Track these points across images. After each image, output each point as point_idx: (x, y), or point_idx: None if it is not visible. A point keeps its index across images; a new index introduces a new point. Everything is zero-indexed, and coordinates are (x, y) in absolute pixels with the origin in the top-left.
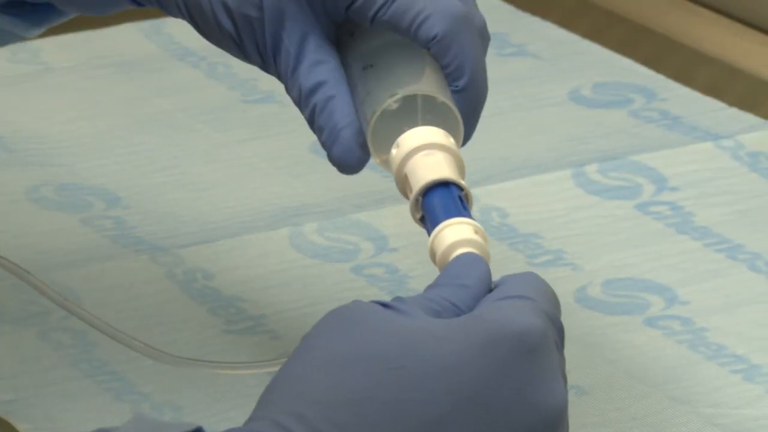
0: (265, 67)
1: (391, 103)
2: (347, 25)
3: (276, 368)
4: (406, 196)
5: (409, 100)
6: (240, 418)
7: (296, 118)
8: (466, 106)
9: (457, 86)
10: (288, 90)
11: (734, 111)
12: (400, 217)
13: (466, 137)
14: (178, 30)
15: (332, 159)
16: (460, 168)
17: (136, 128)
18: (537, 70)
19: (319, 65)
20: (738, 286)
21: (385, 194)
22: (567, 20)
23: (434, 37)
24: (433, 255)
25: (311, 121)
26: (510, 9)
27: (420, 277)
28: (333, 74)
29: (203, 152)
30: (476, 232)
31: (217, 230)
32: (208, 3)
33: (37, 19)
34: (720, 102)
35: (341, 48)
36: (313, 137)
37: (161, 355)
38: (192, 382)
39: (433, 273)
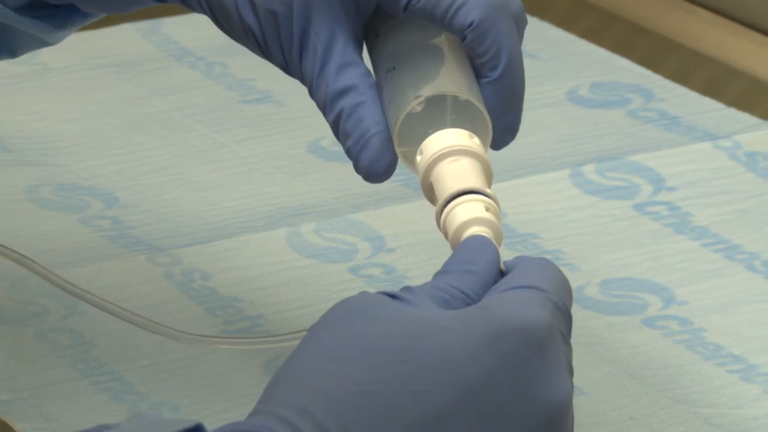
0: (287, 69)
1: (415, 105)
2: (373, 25)
3: (288, 343)
4: (434, 204)
5: (434, 102)
6: (238, 418)
7: (294, 118)
8: (504, 96)
9: (493, 75)
10: (312, 92)
11: (732, 111)
12: (397, 217)
13: (511, 130)
14: (176, 30)
15: (359, 166)
16: (486, 171)
17: (134, 128)
18: (535, 70)
19: (348, 68)
20: (736, 286)
21: (383, 195)
22: (564, 20)
23: (470, 24)
24: (445, 233)
25: (336, 126)
26: None
27: (418, 278)
28: (363, 79)
29: (201, 152)
30: (488, 209)
31: (214, 230)
32: None
33: (60, 22)
34: (718, 102)
35: (367, 49)
36: (311, 137)
37: (174, 333)
38: (190, 382)
39: (431, 274)
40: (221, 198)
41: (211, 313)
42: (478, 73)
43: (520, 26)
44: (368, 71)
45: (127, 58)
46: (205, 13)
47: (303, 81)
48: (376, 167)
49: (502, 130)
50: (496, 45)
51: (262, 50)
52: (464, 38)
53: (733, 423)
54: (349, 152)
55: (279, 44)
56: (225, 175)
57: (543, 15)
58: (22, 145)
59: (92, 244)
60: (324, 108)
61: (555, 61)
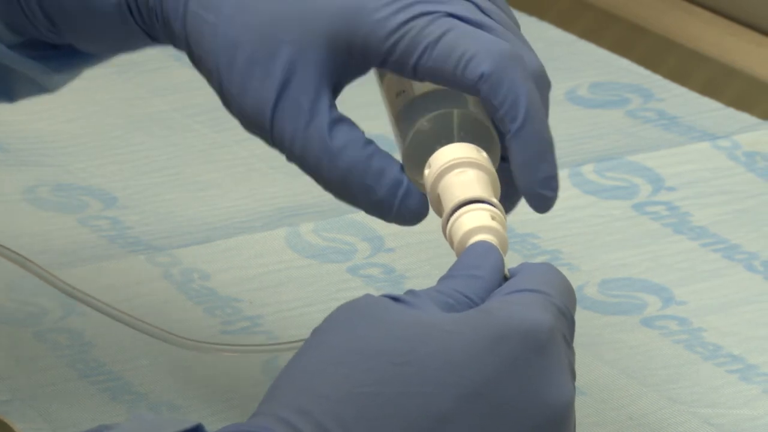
0: (249, 122)
1: (423, 122)
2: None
3: (290, 352)
4: (441, 216)
5: (442, 122)
6: (236, 418)
7: None
8: (532, 146)
9: (515, 126)
10: (294, 148)
11: (731, 111)
12: None
13: (549, 184)
14: None
15: (404, 213)
16: (493, 182)
17: (133, 128)
18: None
19: (342, 123)
20: (735, 286)
21: None
22: (563, 20)
23: (481, 76)
24: (451, 241)
25: (345, 182)
26: None
27: (416, 278)
28: (360, 133)
29: (200, 152)
30: (494, 217)
31: (213, 230)
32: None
33: (57, 65)
34: (716, 102)
35: (379, 78)
36: None
37: (174, 339)
38: (188, 383)
39: (430, 274)
40: (220, 198)
41: (210, 313)
42: (500, 130)
43: (541, 86)
44: (357, 125)
45: (127, 58)
46: (183, 50)
47: (270, 137)
48: (424, 211)
49: (539, 185)
50: (512, 94)
51: (224, 96)
52: (479, 92)
53: (732, 423)
54: (381, 204)
55: (247, 91)
56: (224, 175)
57: (542, 15)
58: (20, 145)
59: (91, 244)
60: (318, 165)
61: (554, 61)
